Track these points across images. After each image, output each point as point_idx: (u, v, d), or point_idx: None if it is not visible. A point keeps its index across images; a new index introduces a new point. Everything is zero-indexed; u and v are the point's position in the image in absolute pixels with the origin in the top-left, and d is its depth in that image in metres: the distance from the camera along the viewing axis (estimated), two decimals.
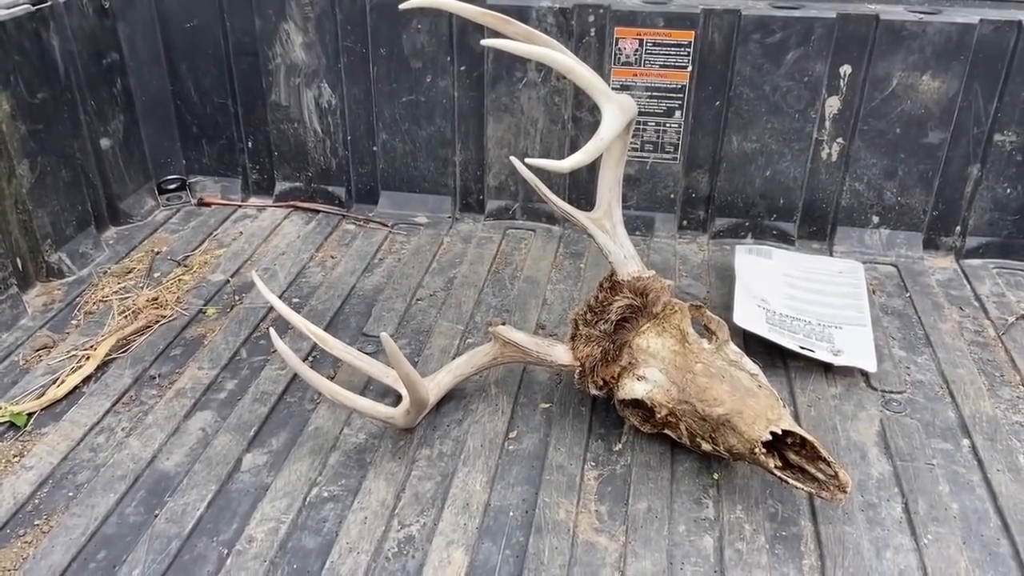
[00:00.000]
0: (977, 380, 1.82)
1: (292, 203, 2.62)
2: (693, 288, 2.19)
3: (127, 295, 2.13)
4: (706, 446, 1.50)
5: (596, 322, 1.61)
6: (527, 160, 1.52)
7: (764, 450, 1.40)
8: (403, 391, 1.57)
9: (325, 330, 1.68)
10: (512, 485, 1.54)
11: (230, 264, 2.29)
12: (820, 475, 1.38)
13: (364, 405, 1.58)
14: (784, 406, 1.47)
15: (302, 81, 2.46)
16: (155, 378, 1.83)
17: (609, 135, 1.55)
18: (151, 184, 2.60)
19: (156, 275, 2.23)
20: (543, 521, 1.45)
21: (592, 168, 2.20)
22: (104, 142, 2.39)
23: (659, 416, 1.53)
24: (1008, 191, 2.26)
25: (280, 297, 2.06)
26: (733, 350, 1.58)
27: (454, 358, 1.74)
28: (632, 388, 1.55)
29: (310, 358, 1.89)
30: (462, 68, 2.36)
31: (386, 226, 2.50)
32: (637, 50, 2.25)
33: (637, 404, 1.56)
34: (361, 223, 2.53)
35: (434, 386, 1.65)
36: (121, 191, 2.48)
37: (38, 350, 1.91)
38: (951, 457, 1.61)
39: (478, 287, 2.18)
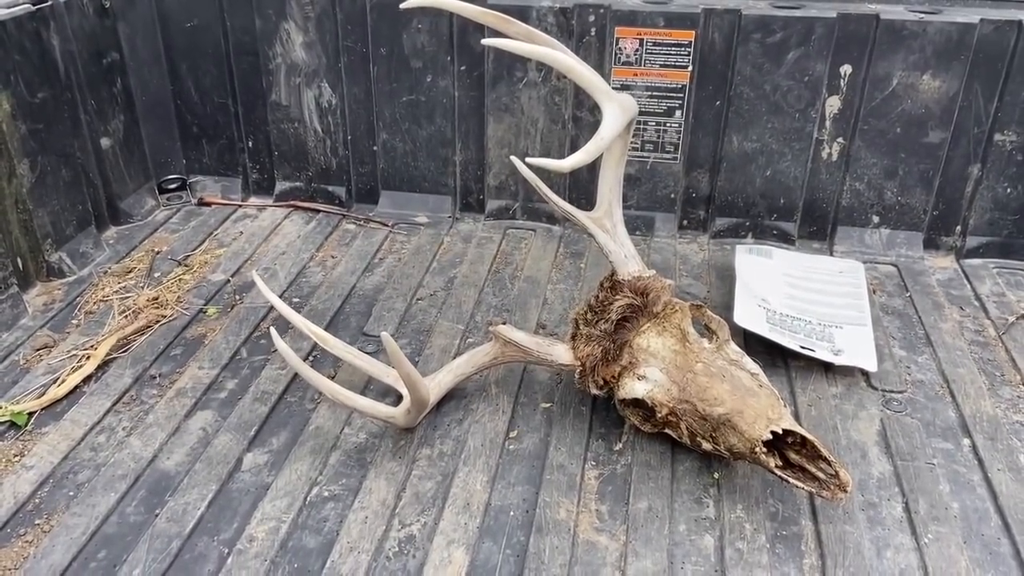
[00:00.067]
0: (977, 379, 1.82)
1: (292, 203, 2.62)
2: (693, 288, 2.19)
3: (127, 295, 2.13)
4: (707, 445, 1.50)
5: (597, 321, 1.61)
6: (528, 160, 1.52)
7: (765, 449, 1.40)
8: (403, 391, 1.57)
9: (325, 330, 1.68)
10: (513, 484, 1.54)
11: (230, 264, 2.29)
12: (821, 474, 1.38)
13: (365, 405, 1.58)
14: (785, 405, 1.47)
15: (302, 81, 2.46)
16: (155, 378, 1.83)
17: (610, 134, 1.55)
18: (151, 184, 2.60)
19: (156, 275, 2.23)
20: (544, 520, 1.45)
21: (592, 168, 2.20)
22: (104, 142, 2.39)
23: (660, 415, 1.53)
24: (1008, 191, 2.26)
25: (280, 297, 2.06)
26: (734, 349, 1.58)
27: (454, 358, 1.74)
28: (633, 387, 1.55)
29: (310, 358, 1.89)
30: (462, 68, 2.36)
31: (386, 226, 2.50)
32: (637, 50, 2.25)
33: (638, 403, 1.56)
34: (361, 223, 2.53)
35: (435, 386, 1.65)
36: (121, 191, 2.48)
37: (38, 350, 1.91)
38: (952, 456, 1.61)
39: (478, 287, 2.18)
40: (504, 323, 1.82)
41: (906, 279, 2.22)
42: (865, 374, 1.82)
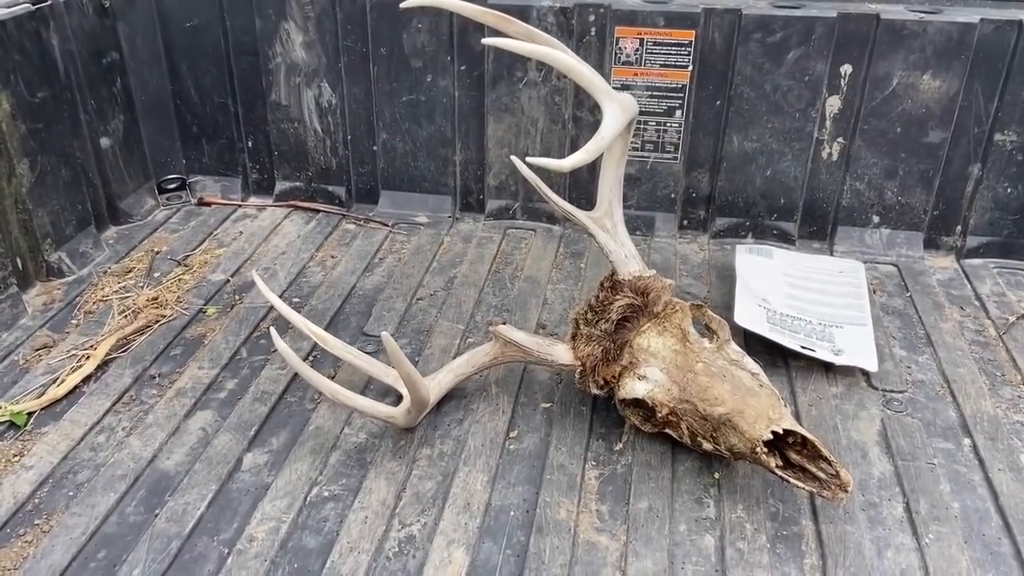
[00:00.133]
0: (978, 379, 1.82)
1: (292, 203, 2.61)
2: (694, 288, 2.19)
3: (127, 295, 2.13)
4: (707, 445, 1.50)
5: (597, 321, 1.60)
6: (528, 159, 1.52)
7: (765, 449, 1.39)
8: (404, 391, 1.57)
9: (325, 330, 1.68)
10: (513, 485, 1.54)
11: (230, 264, 2.28)
12: (821, 474, 1.38)
13: (365, 404, 1.58)
14: (785, 405, 1.47)
15: (302, 80, 2.46)
16: (155, 378, 1.83)
17: (610, 134, 1.55)
18: (151, 184, 2.59)
19: (156, 275, 2.23)
20: (544, 521, 1.45)
21: (593, 168, 2.20)
22: (104, 141, 2.39)
23: (660, 415, 1.53)
24: (1008, 191, 2.26)
25: (280, 297, 2.05)
26: (734, 349, 1.57)
27: (454, 357, 1.73)
28: (633, 387, 1.55)
29: (310, 357, 1.89)
30: (462, 67, 2.36)
31: (386, 226, 2.50)
32: (638, 49, 2.25)
33: (638, 403, 1.56)
34: (361, 223, 2.53)
35: (435, 385, 1.64)
36: (121, 190, 2.47)
37: (38, 349, 1.91)
38: (952, 456, 1.61)
39: (478, 287, 2.18)
40: (504, 323, 1.82)
41: (906, 279, 2.22)
42: (865, 374, 1.82)
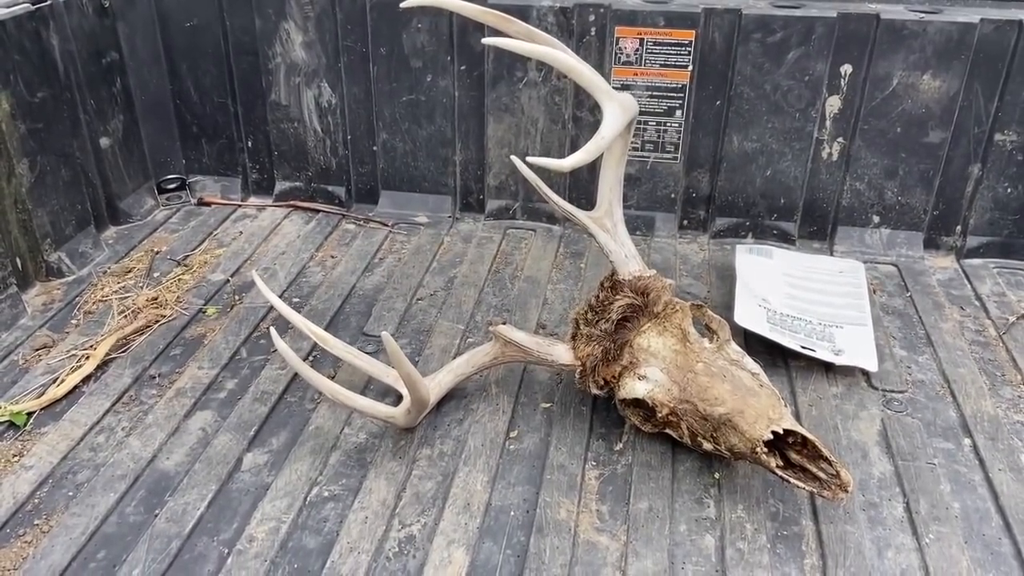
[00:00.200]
0: (978, 379, 1.82)
1: (292, 203, 2.61)
2: (694, 288, 2.19)
3: (127, 295, 2.13)
4: (707, 445, 1.49)
5: (597, 321, 1.60)
6: (528, 159, 1.52)
7: (766, 449, 1.39)
8: (404, 391, 1.57)
9: (325, 330, 1.68)
10: (513, 485, 1.54)
11: (230, 264, 2.28)
12: (821, 474, 1.38)
13: (364, 405, 1.58)
14: (785, 405, 1.47)
15: (302, 80, 2.46)
16: (155, 378, 1.83)
17: (610, 134, 1.54)
18: (151, 184, 2.59)
19: (156, 275, 2.23)
20: (544, 521, 1.45)
21: (593, 167, 2.20)
22: (104, 141, 2.39)
23: (660, 415, 1.53)
24: (1009, 191, 2.26)
25: (280, 297, 2.05)
26: (734, 349, 1.57)
27: (454, 357, 1.73)
28: (633, 387, 1.54)
29: (310, 357, 1.89)
30: (462, 67, 2.36)
31: (386, 226, 2.50)
32: (638, 49, 2.24)
33: (638, 403, 1.56)
34: (361, 223, 2.53)
35: (435, 385, 1.64)
36: (121, 190, 2.47)
37: (38, 350, 1.91)
38: (952, 456, 1.61)
39: (478, 287, 2.18)
40: (504, 323, 1.82)
41: (906, 279, 2.22)
42: (866, 374, 1.82)
